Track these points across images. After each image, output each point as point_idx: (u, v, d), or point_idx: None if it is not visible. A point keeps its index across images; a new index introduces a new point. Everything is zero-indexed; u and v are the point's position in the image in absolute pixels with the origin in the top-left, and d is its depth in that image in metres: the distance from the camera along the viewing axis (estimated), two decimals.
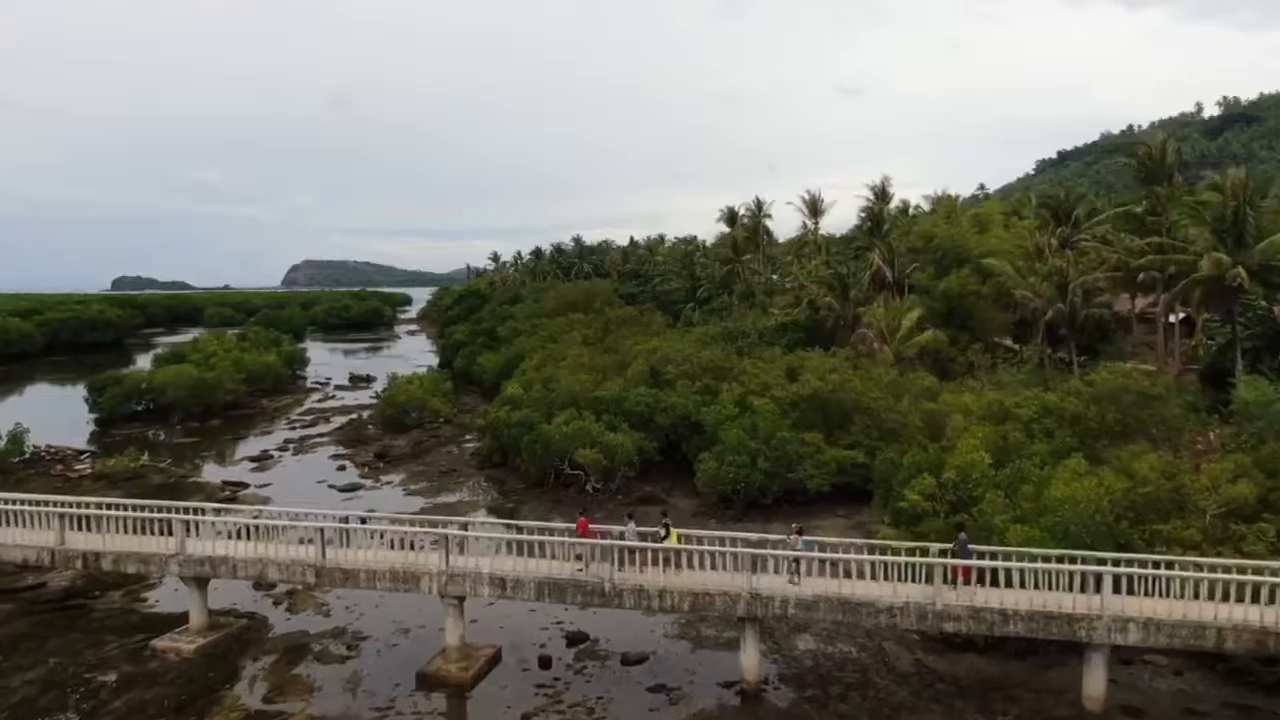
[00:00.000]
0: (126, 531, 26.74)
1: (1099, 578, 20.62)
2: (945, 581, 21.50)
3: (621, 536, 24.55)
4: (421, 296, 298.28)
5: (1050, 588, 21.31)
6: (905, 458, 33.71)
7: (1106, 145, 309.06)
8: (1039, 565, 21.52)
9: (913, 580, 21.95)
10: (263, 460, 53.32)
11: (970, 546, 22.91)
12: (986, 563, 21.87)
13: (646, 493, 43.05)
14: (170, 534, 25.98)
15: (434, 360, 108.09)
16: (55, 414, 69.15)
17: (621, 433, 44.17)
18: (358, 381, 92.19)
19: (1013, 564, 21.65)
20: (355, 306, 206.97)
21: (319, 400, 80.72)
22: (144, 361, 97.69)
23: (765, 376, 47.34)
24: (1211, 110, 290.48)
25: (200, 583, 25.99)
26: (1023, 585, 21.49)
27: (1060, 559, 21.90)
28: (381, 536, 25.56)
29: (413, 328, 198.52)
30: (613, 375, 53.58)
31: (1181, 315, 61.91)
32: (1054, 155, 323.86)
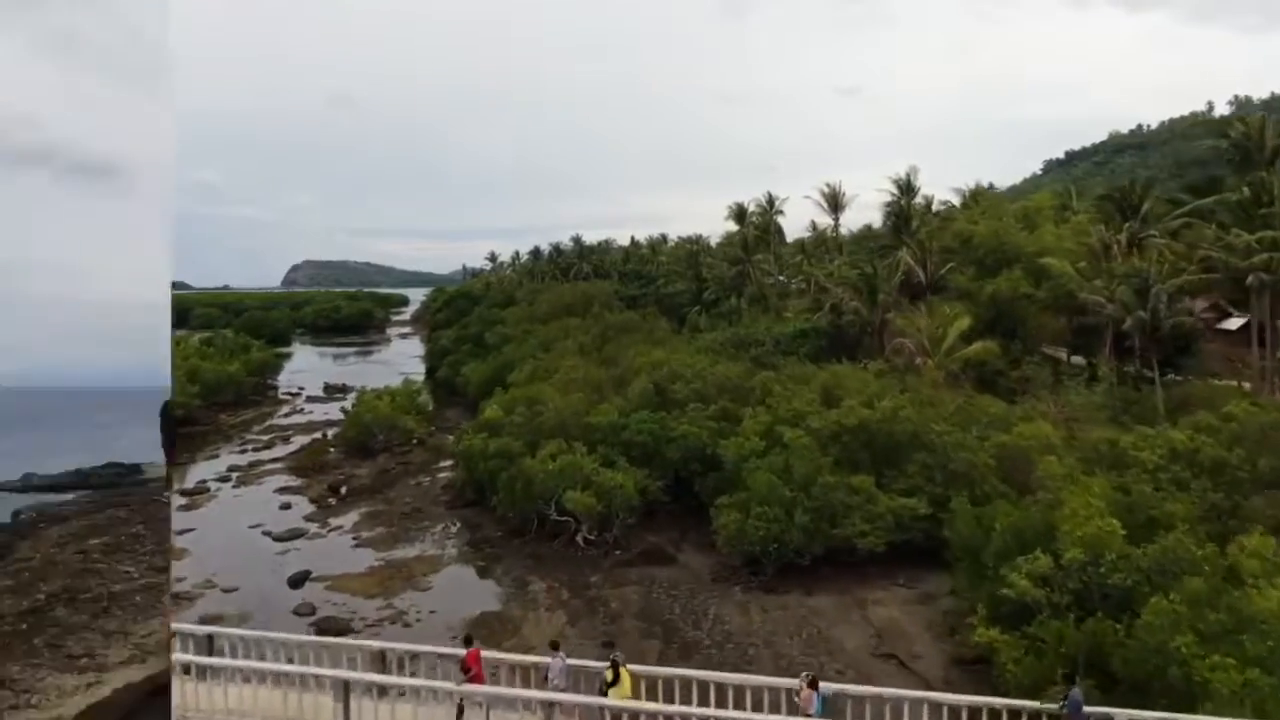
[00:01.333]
0: None
1: None
2: None
3: (544, 676, 16.27)
4: (420, 297, 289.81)
5: None
6: (998, 518, 25.51)
7: (1115, 145, 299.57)
8: None
9: None
10: (195, 495, 45.06)
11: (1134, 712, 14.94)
12: None
13: (650, 545, 34.82)
14: None
15: (423, 366, 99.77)
16: None
17: (620, 470, 35.95)
18: (333, 391, 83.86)
19: None
20: (346, 308, 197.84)
21: (285, 414, 72.56)
22: None
23: (797, 401, 38.74)
24: (1222, 110, 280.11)
25: None
26: None
27: None
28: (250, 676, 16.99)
29: (406, 330, 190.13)
30: (611, 393, 45.35)
31: (1242, 322, 54.11)
32: (1061, 155, 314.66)
